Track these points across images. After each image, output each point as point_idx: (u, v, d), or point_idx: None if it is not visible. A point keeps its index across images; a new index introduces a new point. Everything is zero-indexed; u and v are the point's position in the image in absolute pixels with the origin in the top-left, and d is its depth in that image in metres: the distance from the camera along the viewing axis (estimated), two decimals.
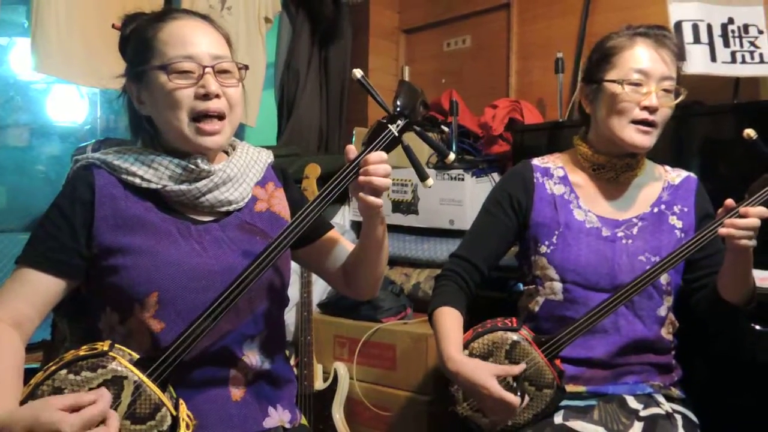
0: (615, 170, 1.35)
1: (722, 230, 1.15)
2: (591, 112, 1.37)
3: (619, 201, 1.37)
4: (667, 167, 1.43)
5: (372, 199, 1.04)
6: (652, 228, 1.34)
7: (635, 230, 1.34)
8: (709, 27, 1.84)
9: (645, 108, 1.26)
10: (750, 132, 1.21)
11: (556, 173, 1.41)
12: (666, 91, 1.28)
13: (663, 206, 1.36)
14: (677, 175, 1.41)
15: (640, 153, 1.34)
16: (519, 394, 1.20)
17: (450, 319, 1.31)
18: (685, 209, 1.36)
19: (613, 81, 1.29)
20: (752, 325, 1.40)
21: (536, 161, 1.44)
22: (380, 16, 2.97)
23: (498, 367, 1.20)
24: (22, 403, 0.88)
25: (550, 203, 1.38)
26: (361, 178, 1.03)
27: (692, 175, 1.42)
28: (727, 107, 1.83)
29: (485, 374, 1.18)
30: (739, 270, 1.20)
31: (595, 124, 1.37)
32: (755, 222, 1.14)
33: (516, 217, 1.40)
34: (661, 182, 1.40)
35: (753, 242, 1.15)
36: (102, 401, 0.86)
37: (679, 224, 1.35)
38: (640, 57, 1.28)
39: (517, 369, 1.20)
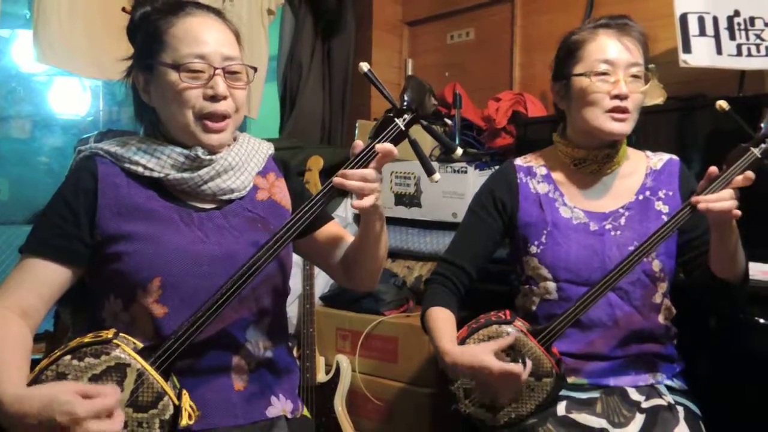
0: (597, 162, 1.35)
1: (701, 206, 1.14)
2: (565, 108, 1.38)
3: (604, 193, 1.37)
4: (648, 152, 1.42)
5: (358, 202, 1.03)
6: (640, 216, 1.34)
7: (623, 221, 1.33)
8: (715, 19, 1.83)
9: (615, 96, 1.27)
10: (722, 103, 1.22)
11: (539, 171, 1.42)
12: (634, 77, 1.28)
13: (648, 192, 1.36)
14: (659, 159, 1.40)
15: (618, 141, 1.34)
16: (520, 362, 1.18)
17: (441, 318, 1.31)
18: (670, 193, 1.36)
19: (581, 74, 1.30)
20: (756, 318, 1.40)
21: (519, 161, 1.45)
22: (384, 8, 2.96)
23: (491, 344, 1.20)
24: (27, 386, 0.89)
25: (535, 202, 1.38)
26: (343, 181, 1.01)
27: (674, 157, 1.41)
28: (731, 100, 1.81)
29: (482, 354, 1.17)
30: (726, 245, 1.19)
31: (570, 119, 1.37)
32: (728, 191, 1.14)
33: (501, 218, 1.41)
34: (643, 169, 1.39)
35: (737, 211, 1.13)
36: (114, 396, 0.87)
37: (665, 209, 1.34)
38: (604, 47, 1.29)
39: (509, 339, 1.20)
